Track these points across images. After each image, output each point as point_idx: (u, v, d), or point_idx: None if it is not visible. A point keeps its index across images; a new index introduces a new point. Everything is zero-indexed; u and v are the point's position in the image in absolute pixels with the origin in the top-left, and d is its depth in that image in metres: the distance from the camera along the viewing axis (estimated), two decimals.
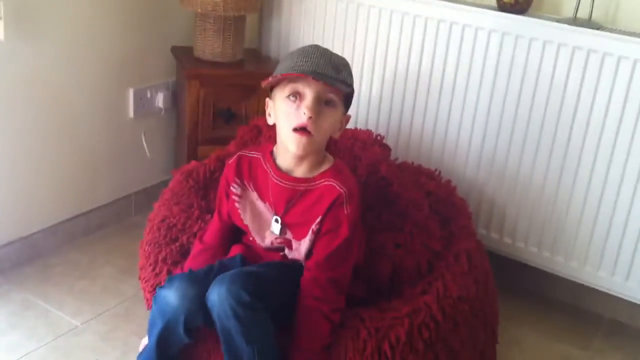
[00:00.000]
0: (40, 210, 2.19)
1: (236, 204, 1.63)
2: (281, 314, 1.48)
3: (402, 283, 1.70)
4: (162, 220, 1.81)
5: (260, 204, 1.61)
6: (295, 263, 1.59)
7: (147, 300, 1.68)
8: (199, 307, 1.43)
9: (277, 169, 1.57)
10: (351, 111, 1.64)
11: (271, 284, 1.47)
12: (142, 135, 2.45)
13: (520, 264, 2.18)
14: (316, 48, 1.52)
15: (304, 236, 1.56)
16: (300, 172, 1.56)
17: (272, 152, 1.60)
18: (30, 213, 2.16)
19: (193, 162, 2.00)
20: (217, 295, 1.39)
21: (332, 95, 1.48)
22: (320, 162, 1.58)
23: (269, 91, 1.56)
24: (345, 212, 1.52)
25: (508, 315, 2.08)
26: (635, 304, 2.05)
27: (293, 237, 1.58)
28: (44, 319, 1.94)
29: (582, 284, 2.10)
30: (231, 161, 1.64)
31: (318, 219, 1.53)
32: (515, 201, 2.13)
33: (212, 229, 1.69)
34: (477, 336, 1.70)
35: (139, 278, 1.76)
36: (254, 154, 1.63)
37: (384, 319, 1.53)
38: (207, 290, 1.42)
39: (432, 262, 1.75)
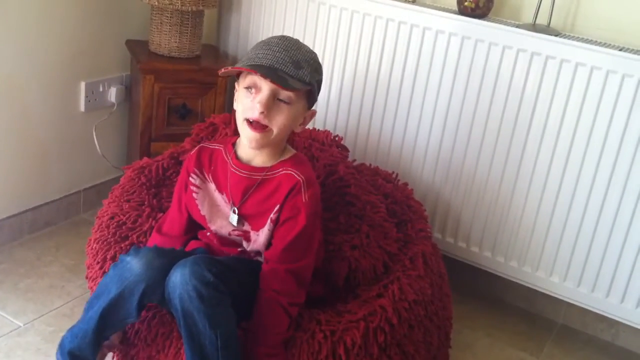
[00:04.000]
0: None
1: (194, 194, 1.61)
2: (240, 308, 1.44)
3: (357, 284, 1.68)
4: (112, 218, 1.75)
5: (217, 195, 1.60)
6: (254, 260, 1.57)
7: None
8: (161, 280, 1.39)
9: (237, 159, 1.58)
10: None
11: (233, 272, 1.44)
12: (93, 130, 2.38)
13: (475, 268, 2.19)
14: (282, 40, 1.51)
15: (262, 226, 1.55)
16: (259, 161, 1.56)
17: (234, 144, 1.60)
18: None
19: (145, 159, 1.95)
20: (179, 276, 1.35)
21: (288, 93, 1.47)
22: (280, 152, 1.58)
23: (236, 77, 1.55)
24: (303, 199, 1.51)
25: (462, 320, 2.08)
26: (586, 310, 2.06)
27: (251, 229, 1.57)
28: None
29: (536, 289, 2.11)
30: (192, 152, 1.64)
31: (276, 208, 1.52)
32: (471, 206, 2.13)
33: (171, 220, 1.66)
34: (431, 340, 1.70)
35: (86, 277, 1.71)
36: (215, 145, 1.63)
37: (340, 322, 1.51)
38: (171, 266, 1.39)
39: (388, 264, 1.74)
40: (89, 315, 1.43)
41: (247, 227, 1.57)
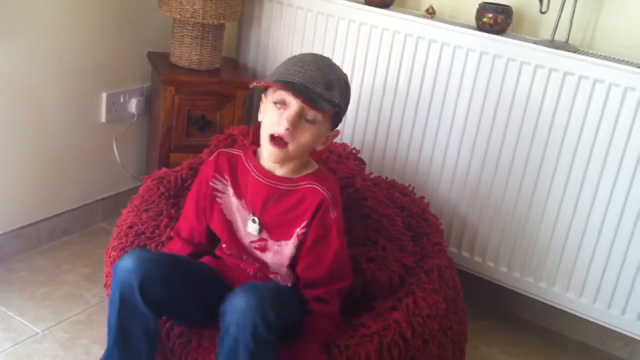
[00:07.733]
0: (4, 213, 2.13)
1: (218, 199, 1.60)
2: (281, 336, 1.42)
3: (373, 297, 1.68)
4: (130, 227, 1.77)
5: (235, 201, 1.59)
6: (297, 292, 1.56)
7: None
8: (157, 271, 1.38)
9: (260, 167, 1.57)
10: None
11: (286, 307, 1.43)
12: (113, 141, 2.41)
13: (490, 283, 2.18)
14: (315, 58, 1.51)
15: (286, 239, 1.54)
16: (282, 172, 1.56)
17: (255, 152, 1.61)
18: None
19: (164, 169, 1.97)
20: (245, 303, 1.32)
21: (314, 113, 1.47)
22: (303, 165, 1.58)
23: (264, 89, 1.56)
24: (333, 216, 1.53)
25: (478, 335, 2.07)
26: (603, 327, 2.05)
27: (270, 237, 1.56)
28: (4, 325, 1.88)
29: (552, 306, 2.10)
30: (210, 158, 1.63)
31: (304, 223, 1.52)
32: (487, 221, 2.13)
33: (190, 228, 1.65)
34: (445, 355, 1.69)
35: (105, 285, 1.72)
36: (234, 151, 1.64)
37: (354, 337, 1.51)
38: (165, 264, 1.40)
39: (404, 277, 1.74)
40: (109, 328, 1.43)
41: (265, 235, 1.56)
